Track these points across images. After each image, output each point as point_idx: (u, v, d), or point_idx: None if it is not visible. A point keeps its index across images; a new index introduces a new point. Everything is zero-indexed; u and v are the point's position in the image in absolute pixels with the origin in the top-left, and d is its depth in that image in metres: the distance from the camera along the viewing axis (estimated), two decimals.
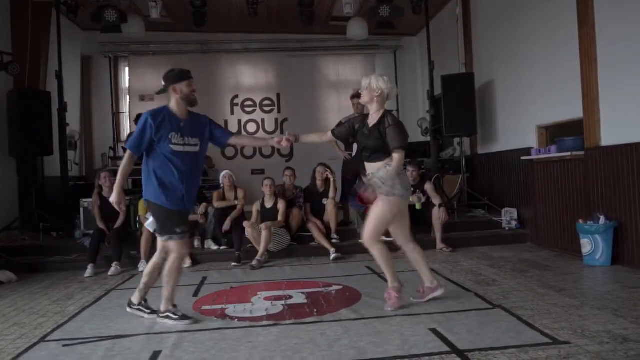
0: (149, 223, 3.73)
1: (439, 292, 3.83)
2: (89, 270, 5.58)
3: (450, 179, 7.93)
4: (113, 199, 3.53)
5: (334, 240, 6.32)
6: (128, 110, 10.24)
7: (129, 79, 10.36)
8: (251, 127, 10.58)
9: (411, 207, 6.47)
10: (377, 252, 3.66)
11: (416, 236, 4.05)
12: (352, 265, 5.58)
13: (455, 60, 8.45)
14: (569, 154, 5.54)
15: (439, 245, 6.18)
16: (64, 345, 3.18)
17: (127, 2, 7.55)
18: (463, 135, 7.81)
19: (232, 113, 10.56)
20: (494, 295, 3.92)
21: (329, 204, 6.42)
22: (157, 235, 3.68)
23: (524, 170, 6.64)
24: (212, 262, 6.11)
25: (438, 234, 6.22)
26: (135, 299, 3.80)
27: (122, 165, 3.56)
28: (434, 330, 3.13)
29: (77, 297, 4.54)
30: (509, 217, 6.85)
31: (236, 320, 3.61)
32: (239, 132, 10.14)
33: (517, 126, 6.87)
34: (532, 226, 6.47)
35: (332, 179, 6.47)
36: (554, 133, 6.33)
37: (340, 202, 6.76)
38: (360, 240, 6.45)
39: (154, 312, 3.70)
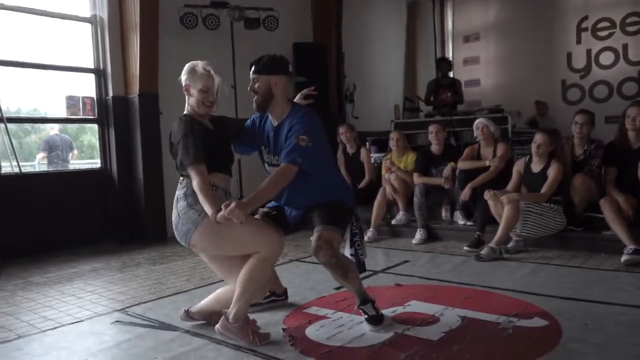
0: None
1: None
2: None
3: None
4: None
5: None
6: (451, 55, 9.12)
7: (453, 20, 9.15)
8: (606, 59, 7.65)
9: None
10: None
11: None
12: None
13: None
14: None
15: None
16: (115, 322, 2.80)
17: None
18: None
19: (579, 42, 7.84)
20: None
21: None
22: None
23: None
24: (454, 239, 4.64)
25: None
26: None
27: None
28: None
29: None
30: None
31: (289, 345, 2.37)
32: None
33: None
34: None
35: None
36: None
37: None
38: None
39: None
